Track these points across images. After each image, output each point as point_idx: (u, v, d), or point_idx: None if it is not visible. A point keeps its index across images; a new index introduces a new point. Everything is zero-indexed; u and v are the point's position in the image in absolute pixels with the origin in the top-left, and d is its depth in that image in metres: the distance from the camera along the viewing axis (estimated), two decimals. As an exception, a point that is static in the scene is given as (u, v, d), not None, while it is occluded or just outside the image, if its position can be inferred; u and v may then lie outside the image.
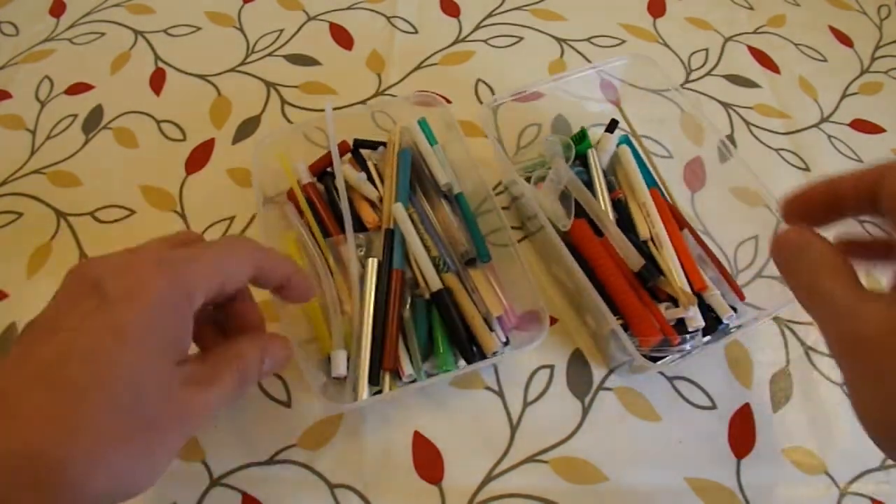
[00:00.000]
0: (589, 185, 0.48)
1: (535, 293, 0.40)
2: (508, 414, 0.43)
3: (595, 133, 0.51)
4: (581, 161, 0.50)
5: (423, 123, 0.50)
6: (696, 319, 0.42)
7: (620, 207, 0.48)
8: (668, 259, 0.44)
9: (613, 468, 0.41)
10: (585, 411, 0.43)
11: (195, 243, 0.30)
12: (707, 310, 0.44)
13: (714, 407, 0.44)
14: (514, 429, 0.42)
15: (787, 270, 0.24)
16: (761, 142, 0.57)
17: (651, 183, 0.49)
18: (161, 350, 0.25)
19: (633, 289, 0.43)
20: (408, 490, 0.40)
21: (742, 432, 0.43)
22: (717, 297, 0.44)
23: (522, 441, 0.42)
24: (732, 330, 0.43)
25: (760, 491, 0.41)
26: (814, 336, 0.47)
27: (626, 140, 0.51)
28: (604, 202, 0.47)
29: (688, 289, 0.43)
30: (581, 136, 0.50)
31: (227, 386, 0.28)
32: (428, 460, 0.41)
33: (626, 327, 0.42)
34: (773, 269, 0.43)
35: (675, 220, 0.47)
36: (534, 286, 0.40)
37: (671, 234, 0.46)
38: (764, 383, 0.45)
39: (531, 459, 0.41)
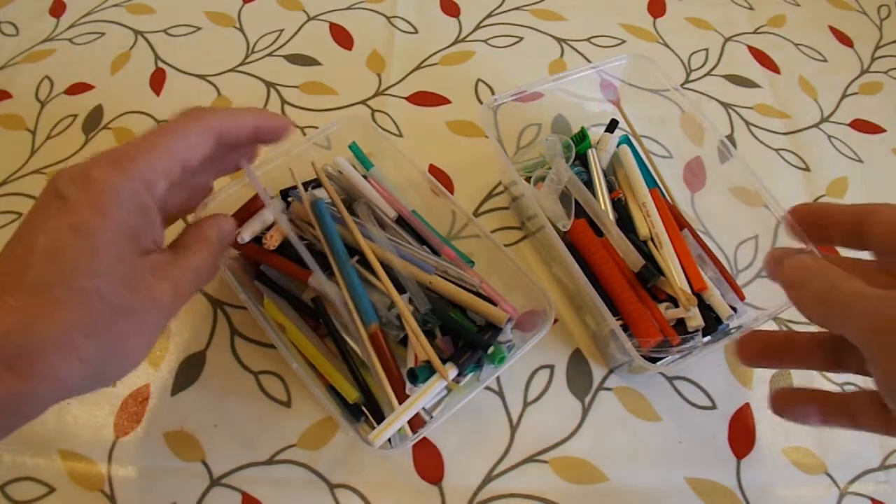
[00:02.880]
0: (589, 185, 0.48)
1: (535, 288, 0.40)
2: (508, 414, 0.43)
3: (595, 133, 0.51)
4: (581, 161, 0.50)
5: (354, 148, 0.48)
6: (695, 319, 0.42)
7: (620, 207, 0.48)
8: (668, 259, 0.44)
9: (613, 468, 0.41)
10: (585, 411, 0.43)
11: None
12: (707, 310, 0.44)
13: (714, 407, 0.44)
14: (514, 429, 0.42)
15: (803, 284, 0.25)
16: (761, 142, 0.57)
17: (651, 183, 0.49)
18: (121, 241, 0.26)
19: (633, 289, 0.43)
20: (408, 490, 0.40)
21: (742, 432, 0.43)
22: (717, 297, 0.44)
23: (522, 441, 0.42)
24: (732, 330, 0.43)
25: (760, 491, 0.41)
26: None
27: (626, 140, 0.51)
28: (603, 202, 0.47)
29: (688, 289, 0.43)
30: (581, 136, 0.50)
31: (198, 268, 0.29)
32: (428, 460, 0.41)
33: (626, 328, 0.42)
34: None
35: (675, 220, 0.47)
36: (530, 279, 0.40)
37: (671, 235, 0.46)
38: (764, 383, 0.45)
39: (531, 459, 0.41)
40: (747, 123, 0.58)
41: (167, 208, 0.31)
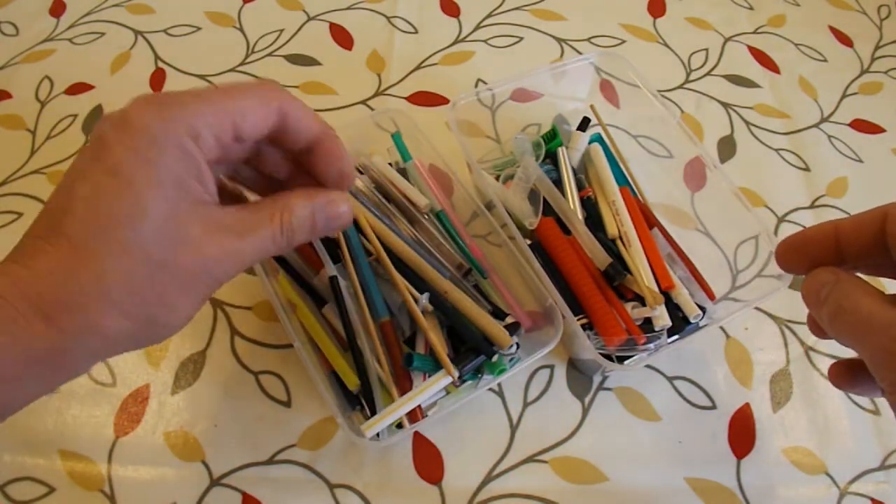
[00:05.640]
0: (558, 183, 0.48)
1: (541, 292, 0.40)
2: (508, 414, 0.43)
3: (567, 132, 0.51)
4: (552, 159, 0.50)
5: (396, 138, 0.48)
6: (662, 318, 0.42)
7: (590, 206, 0.48)
8: (636, 258, 0.44)
9: (613, 468, 0.41)
10: (585, 411, 0.43)
11: None
12: (675, 309, 0.43)
13: (714, 407, 0.44)
14: (514, 429, 0.42)
15: (822, 301, 0.25)
16: (761, 142, 0.57)
17: (622, 181, 0.49)
18: (164, 187, 0.24)
19: (600, 288, 0.43)
20: (408, 490, 0.40)
21: (742, 432, 0.43)
22: (684, 295, 0.44)
23: (522, 441, 0.42)
24: (713, 324, 0.43)
25: (760, 491, 0.41)
26: (814, 336, 0.47)
27: (597, 138, 0.51)
28: (572, 200, 0.47)
29: (655, 288, 0.43)
30: (552, 135, 0.50)
31: (265, 239, 0.26)
32: (428, 460, 0.41)
33: (592, 326, 0.42)
34: (773, 268, 0.43)
35: (646, 218, 0.47)
36: (538, 284, 0.40)
37: (640, 233, 0.46)
38: (764, 383, 0.45)
39: (531, 459, 0.41)
40: (747, 123, 0.58)
41: (237, 177, 0.30)
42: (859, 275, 0.25)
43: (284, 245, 0.28)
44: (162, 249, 0.24)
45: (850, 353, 0.47)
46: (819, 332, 0.28)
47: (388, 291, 0.42)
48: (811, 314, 0.27)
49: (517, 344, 0.42)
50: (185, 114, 0.24)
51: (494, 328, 0.40)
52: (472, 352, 0.40)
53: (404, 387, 0.39)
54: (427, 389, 0.38)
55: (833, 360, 0.46)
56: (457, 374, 0.38)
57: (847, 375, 0.28)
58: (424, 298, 0.40)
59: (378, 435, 0.37)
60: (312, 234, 0.29)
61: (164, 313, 0.25)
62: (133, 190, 0.23)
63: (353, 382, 0.39)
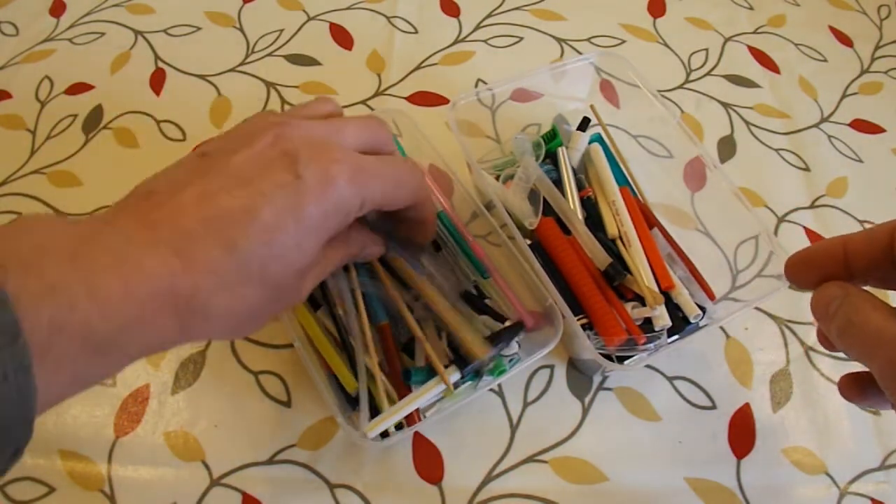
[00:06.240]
0: (559, 183, 0.48)
1: (541, 292, 0.40)
2: (508, 414, 0.43)
3: (568, 132, 0.51)
4: (552, 159, 0.50)
5: (394, 140, 0.49)
6: (662, 318, 0.42)
7: (590, 206, 0.48)
8: (636, 258, 0.44)
9: (613, 468, 0.41)
10: (585, 411, 0.43)
11: (336, 117, 0.33)
12: (675, 309, 0.43)
13: (714, 407, 0.44)
14: (514, 429, 0.42)
15: (831, 315, 0.25)
16: (761, 142, 0.57)
17: (622, 181, 0.49)
18: (321, 242, 0.28)
19: (599, 288, 0.43)
20: (408, 490, 0.40)
21: (742, 432, 0.43)
22: (685, 296, 0.44)
23: (522, 441, 0.42)
24: (713, 323, 0.43)
25: (760, 491, 0.41)
26: (814, 336, 0.47)
27: (597, 138, 0.51)
28: (572, 200, 0.47)
29: (655, 288, 0.43)
30: (552, 135, 0.50)
31: (329, 270, 0.32)
32: (428, 460, 0.41)
33: (592, 326, 0.42)
34: (772, 268, 0.43)
35: (646, 218, 0.47)
36: (538, 284, 0.40)
37: (640, 233, 0.46)
38: (764, 383, 0.45)
39: (531, 459, 0.41)
40: (747, 123, 0.58)
41: None
42: (867, 288, 0.25)
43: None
44: (284, 289, 0.28)
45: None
46: (828, 345, 0.28)
47: (387, 296, 0.42)
48: (820, 328, 0.27)
49: (518, 343, 0.42)
50: (368, 187, 0.28)
51: (467, 338, 0.38)
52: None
53: (402, 390, 0.39)
54: (425, 394, 0.38)
55: (833, 361, 0.46)
56: (454, 379, 0.38)
57: (856, 388, 0.28)
58: (419, 306, 0.40)
59: (381, 436, 0.37)
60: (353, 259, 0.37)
61: (249, 327, 0.29)
62: (302, 241, 0.26)
63: (351, 386, 0.39)
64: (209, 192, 0.25)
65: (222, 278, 0.25)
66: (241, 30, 0.62)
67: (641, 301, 0.43)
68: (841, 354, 0.46)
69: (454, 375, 0.39)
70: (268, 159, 0.27)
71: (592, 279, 0.43)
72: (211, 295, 0.25)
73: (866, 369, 0.25)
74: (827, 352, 0.46)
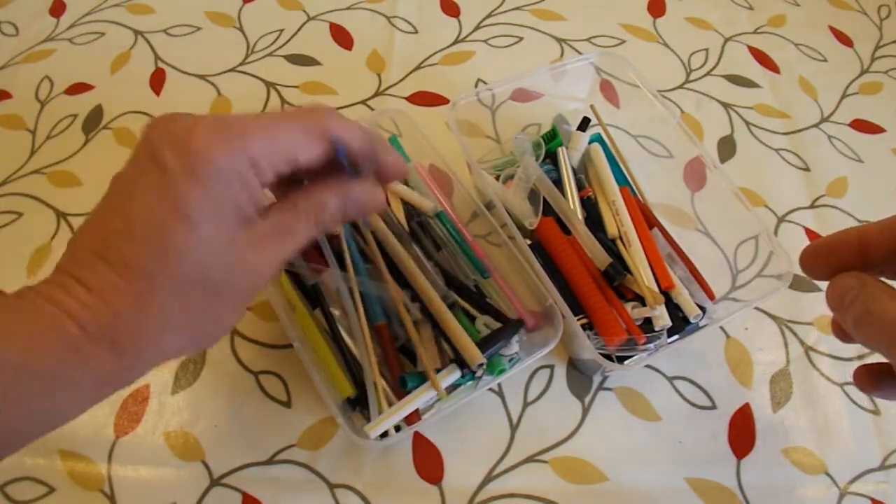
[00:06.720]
0: (559, 183, 0.48)
1: (541, 292, 0.40)
2: (508, 414, 0.43)
3: (568, 132, 0.51)
4: (552, 159, 0.50)
5: (394, 141, 0.49)
6: (662, 318, 0.42)
7: (590, 206, 0.48)
8: (636, 258, 0.44)
9: (613, 468, 0.41)
10: (585, 411, 0.43)
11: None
12: (675, 309, 0.43)
13: (714, 407, 0.44)
14: (514, 429, 0.42)
15: (847, 305, 0.25)
16: (761, 142, 0.57)
17: (622, 181, 0.49)
18: (223, 219, 0.25)
19: (600, 288, 0.43)
20: (408, 490, 0.40)
21: (742, 432, 0.43)
22: (685, 296, 0.44)
23: (522, 441, 0.42)
24: (713, 324, 0.43)
25: (760, 491, 0.41)
26: (814, 336, 0.47)
27: (597, 138, 0.51)
28: (572, 200, 0.47)
29: (655, 288, 0.43)
30: (552, 135, 0.50)
31: (302, 237, 0.28)
32: (428, 460, 0.41)
33: (592, 326, 0.42)
34: (772, 268, 0.43)
35: (646, 218, 0.47)
36: (538, 284, 0.40)
37: (640, 233, 0.46)
38: (764, 383, 0.45)
39: (531, 459, 0.41)
40: (747, 123, 0.58)
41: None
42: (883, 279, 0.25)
43: (319, 235, 0.29)
44: (220, 278, 0.25)
45: (847, 353, 0.47)
46: (844, 336, 0.28)
47: (386, 296, 0.42)
48: (835, 318, 0.27)
49: (518, 343, 0.42)
50: (247, 145, 0.25)
51: (465, 344, 0.39)
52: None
53: (400, 391, 0.39)
54: (423, 395, 0.38)
55: (833, 361, 0.46)
56: (453, 378, 0.39)
57: (872, 379, 0.28)
58: (415, 308, 0.40)
59: (381, 436, 0.37)
60: (344, 221, 0.30)
61: (216, 328, 0.27)
62: (196, 227, 0.24)
63: (346, 391, 0.39)
64: (99, 222, 0.25)
65: (137, 297, 0.24)
66: (241, 30, 0.62)
67: (641, 301, 0.43)
68: (841, 354, 0.46)
69: (454, 374, 0.39)
70: (135, 167, 0.25)
71: (592, 279, 0.43)
72: (135, 315, 0.24)
73: (879, 360, 0.25)
74: (827, 352, 0.46)
